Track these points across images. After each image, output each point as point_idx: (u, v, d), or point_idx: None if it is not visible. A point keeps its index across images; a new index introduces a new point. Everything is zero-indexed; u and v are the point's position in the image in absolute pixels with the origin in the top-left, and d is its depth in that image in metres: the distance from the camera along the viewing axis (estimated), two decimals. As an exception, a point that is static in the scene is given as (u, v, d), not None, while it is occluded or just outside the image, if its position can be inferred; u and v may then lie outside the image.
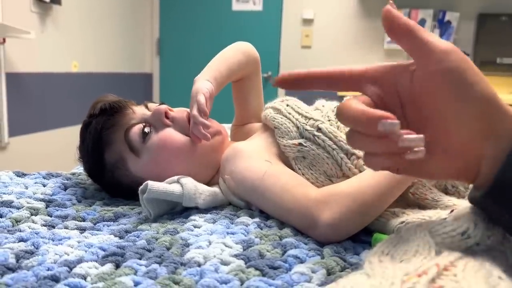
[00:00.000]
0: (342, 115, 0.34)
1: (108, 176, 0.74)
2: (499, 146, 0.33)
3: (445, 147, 0.35)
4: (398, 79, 0.36)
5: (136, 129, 0.71)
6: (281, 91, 3.31)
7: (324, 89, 0.38)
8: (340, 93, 2.63)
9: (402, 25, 0.34)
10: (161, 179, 0.68)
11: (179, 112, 0.74)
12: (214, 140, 0.73)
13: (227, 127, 0.95)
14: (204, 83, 0.74)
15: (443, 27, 2.87)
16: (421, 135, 0.32)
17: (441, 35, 2.88)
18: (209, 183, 0.74)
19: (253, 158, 0.67)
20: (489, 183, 0.33)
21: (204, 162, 0.74)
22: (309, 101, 0.77)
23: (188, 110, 0.73)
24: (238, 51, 0.83)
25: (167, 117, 0.72)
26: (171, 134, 0.71)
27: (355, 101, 0.35)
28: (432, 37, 0.34)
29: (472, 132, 0.34)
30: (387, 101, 0.36)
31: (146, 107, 0.75)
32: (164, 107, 0.73)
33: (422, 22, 2.92)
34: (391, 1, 0.35)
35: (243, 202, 0.68)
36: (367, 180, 0.57)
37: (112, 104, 0.73)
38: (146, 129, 0.70)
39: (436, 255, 0.30)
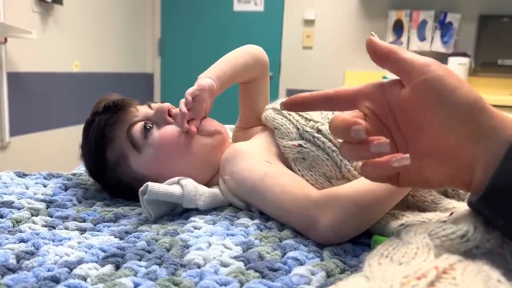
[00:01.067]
0: (330, 128, 0.39)
1: (109, 175, 0.74)
2: (490, 151, 0.34)
3: (437, 153, 0.37)
4: (388, 94, 0.39)
5: (138, 126, 0.71)
6: (282, 91, 3.30)
7: (324, 109, 0.43)
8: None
9: (384, 49, 0.39)
10: (161, 177, 0.69)
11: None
12: (214, 139, 0.73)
13: (229, 128, 0.95)
14: (205, 80, 0.74)
15: (444, 28, 2.87)
16: (385, 140, 0.37)
17: (442, 36, 2.88)
18: (209, 184, 0.74)
19: (253, 158, 0.67)
20: (482, 189, 0.33)
21: (204, 160, 0.74)
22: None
23: None
24: (245, 53, 0.84)
25: (169, 114, 0.73)
26: (173, 130, 0.72)
27: (346, 114, 0.39)
28: (412, 54, 0.38)
29: (460, 136, 0.35)
30: (381, 116, 0.40)
31: (150, 107, 0.76)
32: (167, 105, 0.74)
33: (423, 23, 2.91)
34: (372, 32, 0.40)
35: (243, 203, 0.68)
36: (368, 184, 0.57)
37: (115, 102, 0.74)
38: (148, 126, 0.71)
39: (436, 258, 0.31)
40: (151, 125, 0.72)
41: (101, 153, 0.73)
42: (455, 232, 0.33)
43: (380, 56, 0.39)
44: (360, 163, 0.61)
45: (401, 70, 0.38)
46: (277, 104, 0.77)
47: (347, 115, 0.38)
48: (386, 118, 0.40)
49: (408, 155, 0.36)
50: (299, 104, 0.43)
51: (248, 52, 0.84)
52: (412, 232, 0.35)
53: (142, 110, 0.75)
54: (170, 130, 0.72)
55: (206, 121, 0.75)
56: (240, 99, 0.89)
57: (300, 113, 0.70)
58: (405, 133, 0.39)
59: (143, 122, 0.72)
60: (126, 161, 0.72)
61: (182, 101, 0.72)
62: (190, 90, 0.72)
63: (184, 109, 0.71)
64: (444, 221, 0.35)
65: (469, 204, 0.36)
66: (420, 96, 0.37)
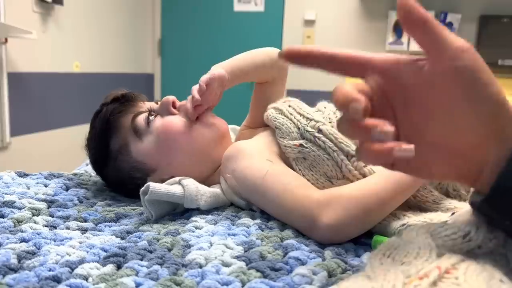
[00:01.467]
0: (333, 96, 0.34)
1: (111, 165, 0.75)
2: (502, 153, 0.32)
3: (450, 148, 0.34)
4: (405, 73, 0.34)
5: (143, 116, 0.74)
6: (282, 92, 3.30)
7: (327, 70, 0.37)
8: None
9: (419, 17, 0.32)
10: (159, 166, 0.71)
11: (186, 102, 0.77)
12: (212, 131, 0.75)
13: (231, 128, 0.95)
14: (217, 70, 0.76)
15: (444, 28, 2.87)
16: (391, 128, 0.32)
17: (442, 37, 2.88)
18: (210, 182, 0.74)
19: (254, 157, 0.68)
20: (488, 189, 0.32)
21: (202, 152, 0.74)
22: (312, 102, 0.77)
23: None
24: (264, 54, 0.85)
25: (174, 107, 0.75)
26: (175, 119, 0.74)
27: (353, 86, 0.34)
28: (448, 33, 0.32)
29: (481, 134, 0.32)
30: (389, 94, 0.35)
31: (156, 103, 0.79)
32: (172, 97, 0.76)
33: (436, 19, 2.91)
34: None
35: (244, 201, 0.68)
36: (371, 185, 0.57)
37: (124, 94, 0.78)
38: (152, 117, 0.74)
39: (438, 258, 0.30)
40: (155, 115, 0.74)
41: (105, 141, 0.75)
42: (457, 232, 0.33)
43: (411, 23, 0.33)
44: (361, 163, 0.62)
45: (433, 46, 0.32)
46: (278, 103, 0.77)
47: (350, 87, 0.33)
48: (395, 98, 0.35)
49: (413, 146, 0.32)
50: (302, 56, 0.37)
51: (267, 53, 0.85)
52: (414, 232, 0.35)
53: (149, 104, 0.78)
54: (172, 118, 0.74)
55: (208, 113, 0.76)
56: (253, 99, 0.89)
57: (301, 113, 0.71)
58: (414, 120, 0.35)
59: (147, 112, 0.74)
60: (127, 149, 0.74)
61: (195, 87, 0.73)
62: (204, 77, 0.73)
63: (197, 95, 0.72)
64: (446, 221, 0.35)
65: (472, 204, 0.35)
66: (447, 83, 0.32)
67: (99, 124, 0.75)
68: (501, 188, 0.31)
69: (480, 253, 0.32)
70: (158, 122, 0.73)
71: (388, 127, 0.32)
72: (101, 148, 0.75)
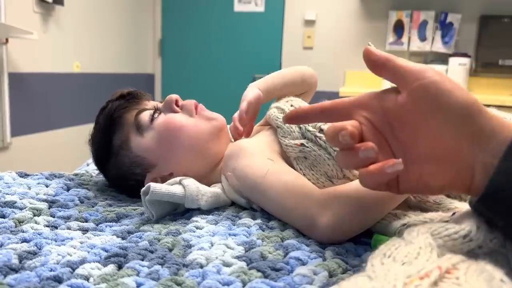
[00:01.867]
0: (326, 137, 0.41)
1: (112, 161, 0.76)
2: (489, 152, 0.34)
3: (437, 158, 0.38)
4: (385, 102, 0.41)
5: (147, 113, 0.76)
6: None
7: (324, 121, 0.48)
8: (342, 94, 2.63)
9: (380, 58, 0.40)
10: (158, 162, 0.73)
11: (188, 101, 0.79)
12: (211, 125, 0.76)
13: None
14: (253, 91, 0.79)
15: (444, 28, 2.87)
16: (371, 145, 0.38)
17: (443, 37, 2.88)
18: (208, 181, 0.75)
19: (255, 156, 0.68)
20: (481, 190, 0.33)
21: (203, 148, 0.75)
22: (314, 101, 0.78)
23: (195, 101, 0.78)
24: (296, 72, 0.90)
25: (177, 104, 0.77)
26: (177, 116, 0.75)
27: (342, 124, 0.40)
28: (407, 62, 0.39)
29: (458, 138, 0.36)
30: (376, 124, 0.41)
31: (161, 102, 0.80)
32: (175, 96, 0.78)
33: (424, 24, 2.91)
34: (369, 42, 0.42)
35: (245, 199, 0.68)
36: None
37: (130, 91, 0.79)
38: (156, 113, 0.75)
39: (438, 258, 0.31)
40: (159, 113, 0.76)
41: (108, 137, 0.76)
42: (457, 232, 0.33)
43: (376, 65, 0.40)
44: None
45: (397, 77, 0.39)
46: (281, 103, 0.77)
47: (339, 123, 0.40)
48: (382, 126, 0.41)
49: (400, 160, 0.37)
50: (300, 117, 0.46)
51: (299, 72, 0.90)
52: (414, 232, 0.35)
53: (154, 103, 0.79)
54: (174, 115, 0.75)
55: (204, 109, 0.78)
56: (276, 99, 0.90)
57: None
58: (402, 140, 0.40)
59: (153, 110, 0.76)
60: (128, 145, 0.75)
61: (236, 117, 0.76)
62: (243, 106, 0.76)
63: (239, 126, 0.75)
64: (447, 221, 0.35)
65: (470, 204, 0.36)
66: (417, 101, 0.38)
67: (103, 119, 0.77)
68: (494, 188, 0.32)
69: (480, 253, 0.32)
70: (161, 119, 0.75)
71: (369, 144, 0.38)
72: (104, 143, 0.76)
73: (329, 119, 0.45)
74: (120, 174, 0.76)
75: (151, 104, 0.78)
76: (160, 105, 0.78)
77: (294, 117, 0.47)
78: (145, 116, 0.75)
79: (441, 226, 0.34)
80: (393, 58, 0.40)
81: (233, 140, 0.79)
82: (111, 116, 0.76)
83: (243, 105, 0.76)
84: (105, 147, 0.76)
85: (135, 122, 0.74)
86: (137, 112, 0.75)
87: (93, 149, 0.80)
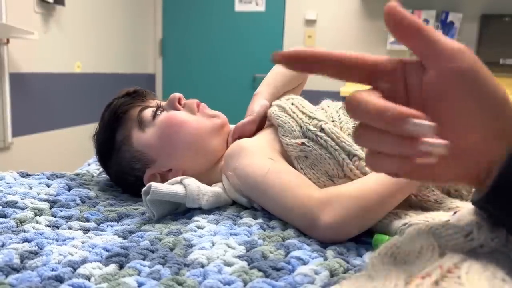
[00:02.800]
0: (355, 107, 0.30)
1: (114, 157, 0.77)
2: (504, 151, 0.31)
3: (457, 149, 0.32)
4: (409, 76, 0.33)
5: (150, 110, 0.77)
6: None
7: (331, 75, 0.34)
8: (343, 94, 2.62)
9: (413, 22, 0.31)
10: (158, 157, 0.74)
11: (190, 100, 0.80)
12: (212, 122, 0.77)
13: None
14: (259, 103, 0.80)
15: (446, 28, 2.86)
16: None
17: (444, 36, 2.88)
18: (209, 180, 0.75)
19: (256, 155, 0.68)
20: (489, 186, 0.32)
21: (203, 144, 0.75)
22: (315, 100, 0.78)
23: (198, 101, 0.79)
24: None
25: (180, 103, 0.78)
26: (179, 113, 0.76)
27: (370, 93, 0.31)
28: (442, 36, 0.32)
29: (487, 133, 0.32)
30: (397, 95, 0.33)
31: (165, 101, 0.81)
32: (178, 94, 0.79)
33: (425, 23, 2.91)
34: None
35: (245, 199, 0.68)
36: (370, 184, 0.57)
37: (136, 89, 0.81)
38: (159, 111, 0.76)
39: (440, 257, 0.30)
40: (161, 110, 0.77)
41: (111, 132, 0.77)
42: (459, 231, 0.33)
43: (407, 30, 0.32)
44: (363, 163, 0.62)
45: (429, 52, 0.32)
46: (282, 101, 0.77)
47: (381, 98, 0.31)
48: (402, 100, 0.33)
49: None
50: (298, 60, 0.34)
51: None
52: (415, 231, 0.35)
53: (158, 101, 0.80)
54: (176, 112, 0.76)
55: (206, 107, 0.79)
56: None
57: (304, 111, 0.71)
58: None
59: (156, 107, 0.77)
60: (129, 140, 0.75)
61: (240, 130, 0.78)
62: (240, 123, 0.78)
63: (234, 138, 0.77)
64: (448, 220, 0.35)
65: (473, 202, 0.35)
66: (449, 85, 0.32)
67: (108, 115, 0.78)
68: (502, 182, 0.31)
69: (482, 252, 0.32)
70: (163, 115, 0.76)
71: (425, 116, 0.29)
72: (107, 139, 0.77)
73: (341, 75, 0.34)
74: (121, 170, 0.77)
75: (155, 102, 0.80)
76: (163, 103, 0.79)
77: (293, 58, 0.34)
78: (148, 112, 0.76)
79: (442, 225, 0.34)
80: (426, 27, 0.32)
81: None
82: (115, 112, 0.77)
83: (241, 122, 0.78)
84: (108, 142, 0.77)
85: (137, 118, 0.75)
86: (141, 108, 0.76)
87: (96, 144, 0.81)
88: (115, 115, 0.77)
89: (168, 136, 0.74)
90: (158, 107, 0.77)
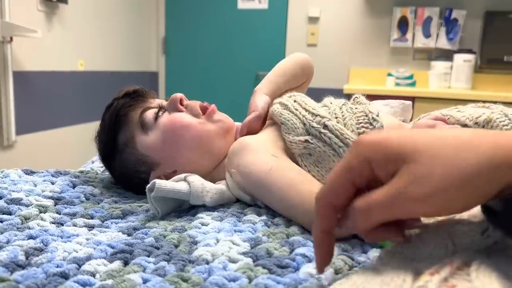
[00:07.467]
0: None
1: (117, 158, 0.77)
2: None
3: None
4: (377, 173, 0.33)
5: (152, 111, 0.76)
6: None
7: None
8: (346, 91, 2.62)
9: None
10: (163, 160, 0.73)
11: (193, 101, 0.79)
12: (217, 126, 0.76)
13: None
14: (261, 99, 0.80)
15: (449, 24, 2.85)
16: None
17: (447, 33, 2.86)
18: (213, 177, 0.75)
19: (259, 152, 0.67)
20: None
21: (207, 148, 0.75)
22: (317, 98, 0.77)
23: (200, 102, 0.78)
24: (296, 64, 0.89)
25: (181, 104, 0.77)
26: (182, 115, 0.76)
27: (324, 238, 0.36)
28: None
29: (478, 201, 0.30)
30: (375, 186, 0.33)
31: (166, 100, 0.80)
32: (180, 94, 0.78)
33: (428, 20, 2.89)
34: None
35: (249, 196, 0.68)
36: None
37: (136, 89, 0.80)
38: (161, 112, 0.76)
39: (450, 255, 0.30)
40: (163, 112, 0.76)
41: (113, 134, 0.76)
42: (475, 228, 0.32)
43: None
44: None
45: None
46: (284, 98, 0.76)
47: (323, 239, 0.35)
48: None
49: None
50: (327, 261, 0.37)
51: (298, 63, 0.90)
52: (428, 229, 0.34)
53: (159, 101, 0.80)
54: (178, 115, 0.76)
55: (215, 111, 0.78)
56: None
57: (307, 108, 0.70)
58: None
59: (157, 108, 0.76)
60: (133, 143, 0.75)
61: (242, 124, 0.78)
62: (248, 118, 0.78)
63: (244, 130, 0.77)
64: (462, 218, 0.35)
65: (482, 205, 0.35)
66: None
67: (109, 117, 0.77)
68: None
69: (495, 249, 0.31)
70: (165, 117, 0.75)
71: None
72: (109, 141, 0.77)
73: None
74: (125, 172, 0.77)
75: (156, 102, 0.79)
76: (165, 103, 0.78)
77: (324, 265, 0.37)
78: (150, 114, 0.75)
79: (457, 222, 0.33)
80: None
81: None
82: (116, 114, 0.76)
83: (248, 117, 0.77)
84: (110, 144, 0.77)
85: (139, 120, 0.75)
86: (142, 110, 0.76)
87: (99, 146, 0.81)
88: (116, 117, 0.76)
89: (172, 140, 0.73)
90: (160, 108, 0.76)
